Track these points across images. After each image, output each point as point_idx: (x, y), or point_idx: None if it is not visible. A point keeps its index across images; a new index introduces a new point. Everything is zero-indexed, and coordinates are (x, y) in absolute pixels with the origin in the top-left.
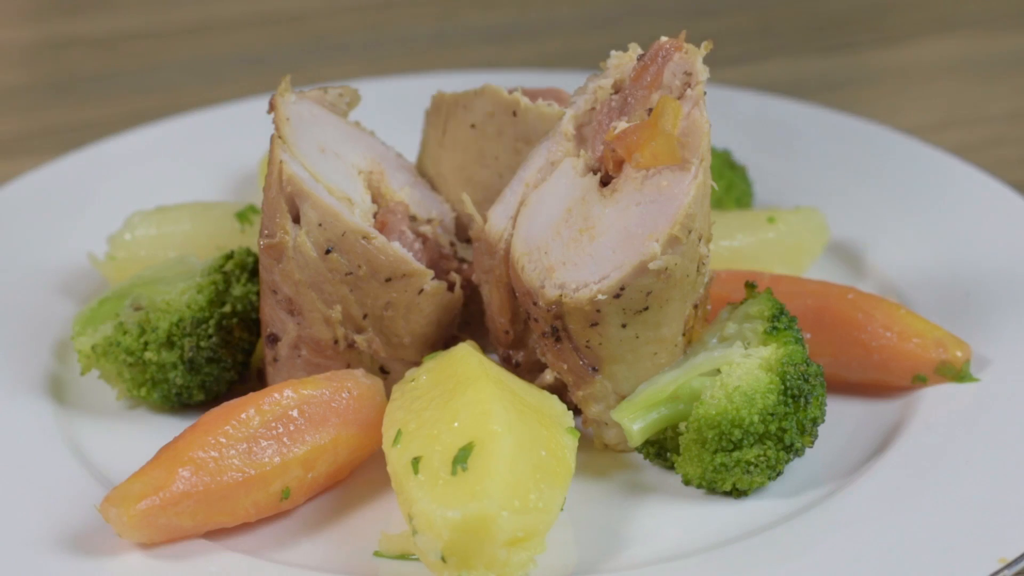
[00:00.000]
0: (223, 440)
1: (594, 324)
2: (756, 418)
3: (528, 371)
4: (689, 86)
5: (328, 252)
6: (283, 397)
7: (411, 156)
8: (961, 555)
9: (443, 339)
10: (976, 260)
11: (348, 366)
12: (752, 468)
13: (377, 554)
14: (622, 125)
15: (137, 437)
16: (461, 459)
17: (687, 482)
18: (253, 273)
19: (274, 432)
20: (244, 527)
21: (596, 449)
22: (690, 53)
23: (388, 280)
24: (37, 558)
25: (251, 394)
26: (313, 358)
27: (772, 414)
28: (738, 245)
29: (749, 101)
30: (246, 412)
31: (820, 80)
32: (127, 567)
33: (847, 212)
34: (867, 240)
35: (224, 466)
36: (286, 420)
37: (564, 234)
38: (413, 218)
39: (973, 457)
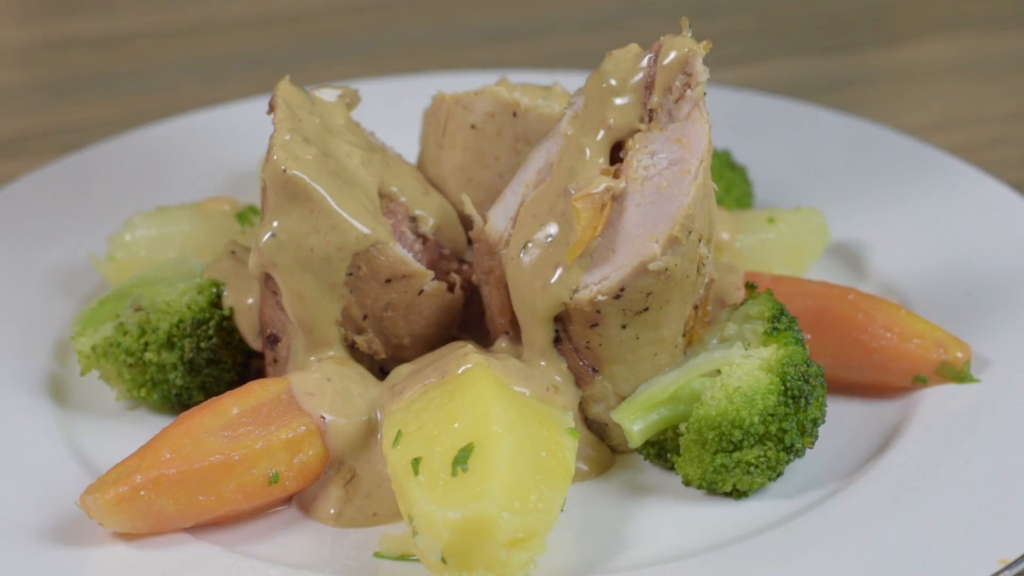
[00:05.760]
0: (199, 427)
1: (594, 325)
2: (756, 419)
3: None
4: (689, 86)
5: None
6: (262, 388)
7: (411, 156)
8: (961, 555)
9: (443, 340)
10: (976, 260)
11: None
12: (752, 469)
13: (377, 555)
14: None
15: (137, 438)
16: (461, 460)
17: (687, 483)
18: None
19: (254, 418)
20: (242, 526)
21: None
22: (690, 53)
23: (388, 281)
24: (35, 558)
25: (229, 391)
26: None
27: (772, 415)
28: (738, 246)
29: (749, 101)
30: (223, 403)
31: (820, 80)
32: (113, 559)
33: (847, 212)
34: (867, 240)
35: (202, 449)
36: (266, 408)
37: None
38: (413, 219)
39: (973, 457)
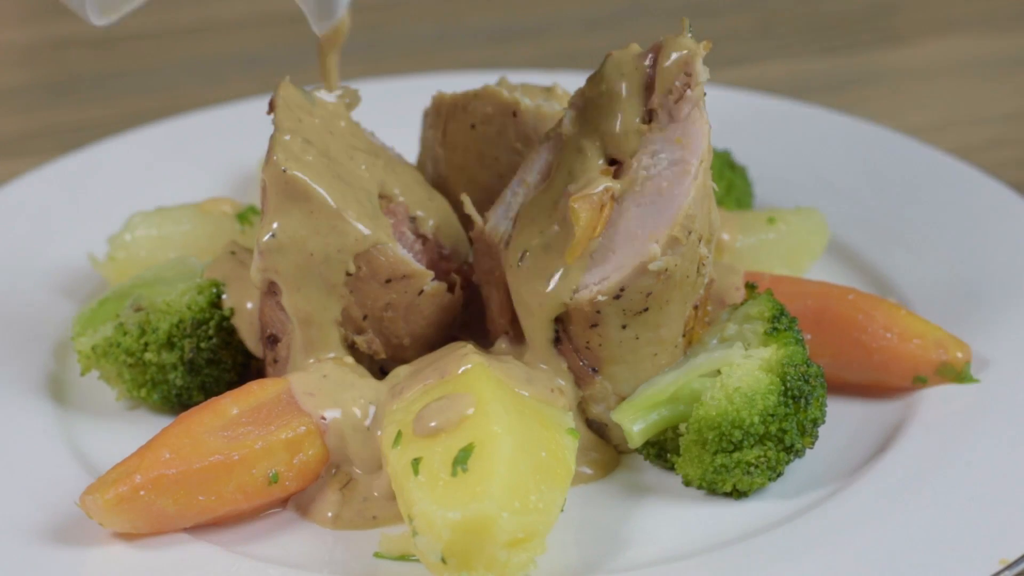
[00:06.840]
0: (199, 427)
1: (594, 325)
2: (756, 419)
3: None
4: (689, 86)
5: None
6: (261, 388)
7: (411, 156)
8: (961, 556)
9: (443, 340)
10: (976, 260)
11: None
12: (752, 469)
13: (377, 555)
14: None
15: (137, 438)
16: (461, 460)
17: (687, 483)
18: None
19: (254, 418)
20: (242, 526)
21: None
22: (690, 53)
23: (388, 281)
24: (35, 558)
25: (229, 391)
26: None
27: (772, 415)
28: (738, 246)
29: (749, 101)
30: (223, 403)
31: (821, 80)
32: (113, 559)
33: (847, 212)
34: (867, 240)
35: (202, 449)
36: (266, 408)
37: None
38: (413, 219)
39: (973, 458)
